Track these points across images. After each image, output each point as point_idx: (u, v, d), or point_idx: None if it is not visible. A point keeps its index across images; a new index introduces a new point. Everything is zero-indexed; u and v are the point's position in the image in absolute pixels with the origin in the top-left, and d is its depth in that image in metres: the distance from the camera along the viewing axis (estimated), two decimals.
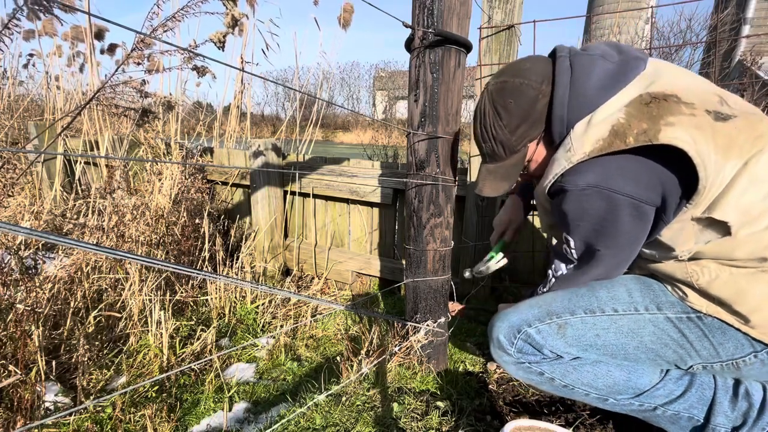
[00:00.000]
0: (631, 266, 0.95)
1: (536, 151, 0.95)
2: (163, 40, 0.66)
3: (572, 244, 0.90)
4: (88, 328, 1.44)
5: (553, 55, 0.92)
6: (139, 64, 1.56)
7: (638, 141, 0.74)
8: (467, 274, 1.37)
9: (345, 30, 2.70)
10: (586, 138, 0.80)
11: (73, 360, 1.31)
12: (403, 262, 2.00)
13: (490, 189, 1.00)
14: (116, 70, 1.50)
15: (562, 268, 0.99)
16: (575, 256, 0.93)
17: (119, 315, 1.50)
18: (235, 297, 1.83)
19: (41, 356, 1.17)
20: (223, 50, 1.92)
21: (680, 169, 0.75)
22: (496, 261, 1.27)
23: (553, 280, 1.01)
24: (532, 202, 1.34)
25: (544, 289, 1.04)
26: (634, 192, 0.77)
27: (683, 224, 0.79)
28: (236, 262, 2.01)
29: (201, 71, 1.95)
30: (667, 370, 0.93)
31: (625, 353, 0.91)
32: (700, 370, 0.89)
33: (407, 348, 1.39)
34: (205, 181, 2.43)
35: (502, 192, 0.99)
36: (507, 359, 0.99)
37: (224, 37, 1.79)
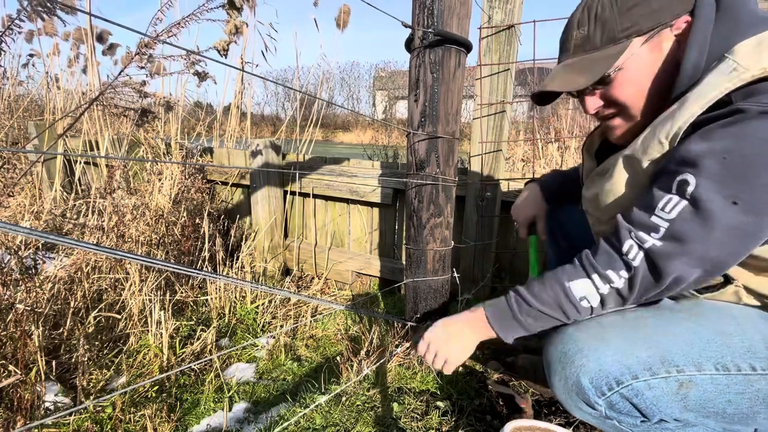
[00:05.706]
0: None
1: (633, 56, 0.70)
2: (173, 44, 0.67)
3: (692, 189, 0.61)
4: (88, 328, 1.44)
5: None
6: (142, 68, 1.57)
7: None
8: None
9: (342, 31, 2.72)
10: (763, 53, 0.60)
11: (73, 360, 1.31)
12: (403, 261, 2.00)
13: (561, 83, 0.77)
14: (120, 73, 1.51)
15: (647, 239, 0.66)
16: (675, 212, 0.63)
17: (118, 317, 1.50)
18: (235, 297, 1.83)
19: (41, 356, 1.17)
20: (226, 57, 1.93)
21: None
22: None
23: (641, 253, 0.66)
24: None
25: (619, 268, 0.69)
26: None
27: None
28: (236, 262, 2.01)
29: (202, 76, 1.96)
30: None
31: (751, 423, 0.69)
32: None
33: (407, 348, 1.39)
34: (205, 181, 2.43)
35: (572, 88, 0.75)
36: (587, 410, 0.74)
37: (228, 45, 1.82)
